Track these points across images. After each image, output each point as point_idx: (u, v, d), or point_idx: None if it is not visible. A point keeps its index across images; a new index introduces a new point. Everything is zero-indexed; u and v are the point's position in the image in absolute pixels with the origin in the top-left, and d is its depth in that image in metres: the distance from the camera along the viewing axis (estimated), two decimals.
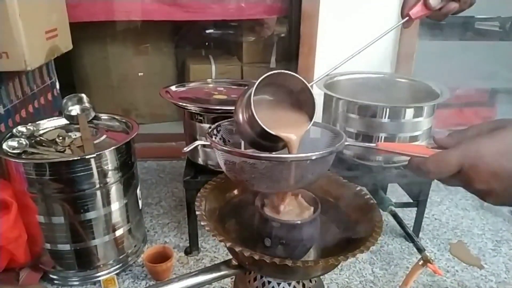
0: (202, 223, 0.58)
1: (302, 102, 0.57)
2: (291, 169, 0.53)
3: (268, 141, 0.55)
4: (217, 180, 0.71)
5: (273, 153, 0.58)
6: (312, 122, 0.56)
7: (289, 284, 0.64)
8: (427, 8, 0.62)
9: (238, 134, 0.58)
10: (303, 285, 0.66)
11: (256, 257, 0.52)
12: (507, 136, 0.39)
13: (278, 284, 0.64)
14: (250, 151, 0.54)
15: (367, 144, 0.60)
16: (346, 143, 0.57)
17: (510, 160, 0.38)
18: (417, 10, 0.62)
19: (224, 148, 0.56)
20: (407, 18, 0.63)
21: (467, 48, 2.09)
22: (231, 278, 1.06)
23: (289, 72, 0.54)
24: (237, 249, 0.54)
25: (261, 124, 0.51)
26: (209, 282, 0.61)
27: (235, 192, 0.71)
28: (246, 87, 0.55)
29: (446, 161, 0.41)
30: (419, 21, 1.70)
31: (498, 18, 2.19)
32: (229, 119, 0.66)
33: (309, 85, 0.55)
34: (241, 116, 0.54)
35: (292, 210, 0.61)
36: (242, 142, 0.64)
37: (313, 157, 0.52)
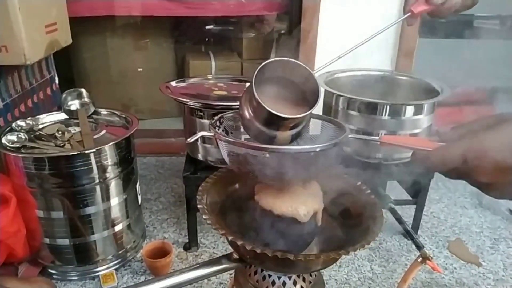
0: (203, 217, 0.58)
1: (306, 92, 0.57)
2: (295, 161, 0.53)
3: (273, 128, 0.54)
4: (218, 174, 0.70)
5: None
6: (314, 107, 0.55)
7: (290, 278, 0.64)
8: (429, 4, 0.62)
9: (243, 127, 0.58)
10: (304, 278, 0.66)
11: (258, 251, 0.52)
12: (511, 130, 0.39)
13: (279, 277, 0.64)
14: (254, 142, 0.54)
15: (370, 137, 0.60)
16: (350, 135, 0.57)
17: None
18: (419, 5, 0.62)
19: (228, 139, 0.55)
20: (409, 13, 0.63)
21: (467, 46, 2.09)
22: (230, 274, 1.06)
23: (292, 60, 0.54)
24: (239, 242, 0.53)
25: (264, 105, 0.50)
26: (210, 275, 0.61)
27: (237, 186, 0.71)
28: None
29: (450, 154, 0.41)
30: (420, 19, 1.71)
31: (498, 16, 2.19)
32: (231, 111, 0.66)
33: (312, 72, 0.55)
34: (245, 108, 0.54)
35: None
36: (243, 136, 0.63)
37: (317, 149, 0.52)
